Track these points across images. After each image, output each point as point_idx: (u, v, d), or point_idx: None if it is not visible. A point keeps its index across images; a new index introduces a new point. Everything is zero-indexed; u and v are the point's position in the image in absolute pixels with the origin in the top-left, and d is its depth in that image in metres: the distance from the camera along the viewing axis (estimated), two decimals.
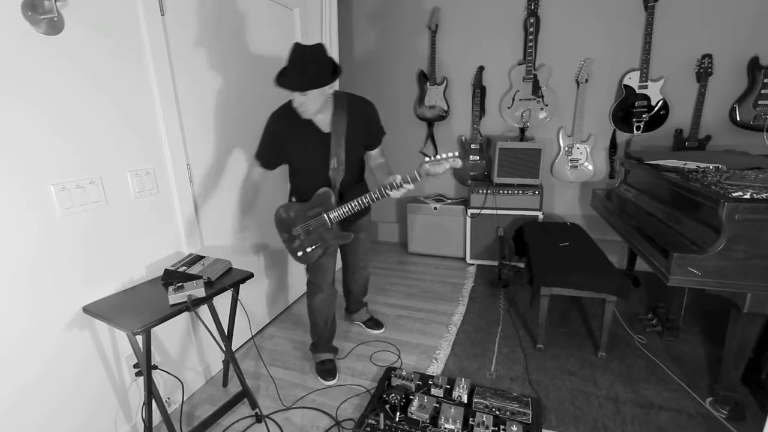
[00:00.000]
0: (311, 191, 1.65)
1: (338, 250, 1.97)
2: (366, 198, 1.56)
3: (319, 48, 1.44)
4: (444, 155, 1.40)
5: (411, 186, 1.50)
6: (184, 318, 1.80)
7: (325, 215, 1.63)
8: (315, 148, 1.61)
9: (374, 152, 1.77)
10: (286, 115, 1.58)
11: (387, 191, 1.51)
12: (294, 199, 1.77)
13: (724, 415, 1.58)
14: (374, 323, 2.32)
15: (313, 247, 1.69)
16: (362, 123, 1.65)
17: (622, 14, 2.74)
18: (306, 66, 1.41)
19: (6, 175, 1.14)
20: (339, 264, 2.09)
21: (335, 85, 1.55)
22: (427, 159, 1.43)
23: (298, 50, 1.42)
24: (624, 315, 2.33)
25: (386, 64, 3.42)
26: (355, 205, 1.58)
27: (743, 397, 1.66)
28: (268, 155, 1.68)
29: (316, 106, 1.50)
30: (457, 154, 1.40)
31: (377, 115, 1.72)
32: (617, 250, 2.97)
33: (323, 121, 1.60)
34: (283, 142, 1.63)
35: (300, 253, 1.71)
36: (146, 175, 1.56)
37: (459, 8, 3.09)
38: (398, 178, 1.49)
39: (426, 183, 3.56)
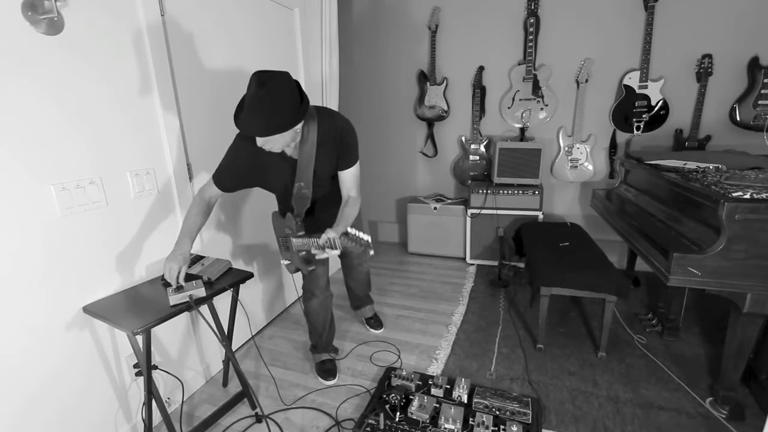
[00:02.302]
0: (285, 210, 1.62)
1: None
2: (312, 241, 1.41)
3: (282, 81, 1.23)
4: (358, 236, 1.28)
5: (325, 255, 1.38)
6: (184, 318, 1.80)
7: (291, 239, 1.56)
8: (278, 173, 1.50)
9: (346, 180, 1.54)
10: (251, 140, 1.35)
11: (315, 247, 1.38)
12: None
13: (724, 415, 1.58)
14: (376, 322, 2.31)
15: (287, 262, 1.68)
16: (332, 145, 1.48)
17: (622, 14, 2.74)
18: (268, 107, 1.20)
19: (6, 175, 1.14)
20: (339, 265, 2.09)
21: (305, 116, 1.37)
22: (346, 231, 1.32)
23: (257, 87, 1.20)
24: (624, 315, 2.33)
25: (386, 64, 3.42)
26: (310, 243, 1.44)
27: (743, 397, 1.66)
28: (224, 175, 1.50)
29: (282, 143, 1.33)
30: (369, 240, 1.28)
31: (351, 136, 1.50)
32: (617, 250, 2.97)
33: (290, 147, 1.45)
34: (245, 167, 1.48)
35: (283, 262, 1.70)
36: (146, 175, 1.56)
37: (459, 8, 3.09)
38: (322, 237, 1.35)
39: (426, 183, 3.57)
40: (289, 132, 1.30)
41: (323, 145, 1.46)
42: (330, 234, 1.34)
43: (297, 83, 1.30)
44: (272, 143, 1.32)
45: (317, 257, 1.43)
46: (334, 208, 1.56)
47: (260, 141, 1.31)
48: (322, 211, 1.66)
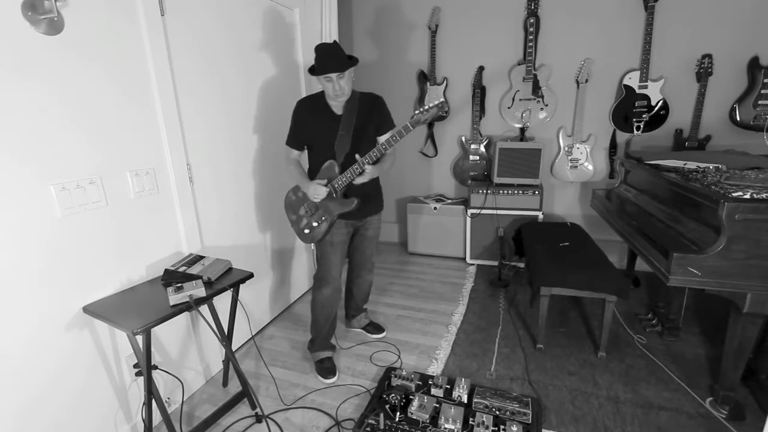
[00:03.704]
0: (321, 167, 1.79)
1: (346, 247, 1.96)
2: (361, 163, 1.67)
3: (338, 44, 1.70)
4: (427, 108, 1.57)
5: (367, 170, 1.67)
6: (184, 318, 1.80)
7: (330, 184, 1.74)
8: (326, 125, 1.78)
9: (380, 139, 1.85)
10: (308, 101, 1.84)
11: (363, 164, 1.66)
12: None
13: (724, 415, 1.58)
14: (374, 327, 2.29)
15: (321, 220, 1.79)
16: (370, 109, 1.81)
17: (622, 14, 2.74)
18: (340, 53, 1.64)
19: (6, 175, 1.14)
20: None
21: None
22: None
23: (328, 45, 1.66)
24: (624, 315, 2.33)
25: (386, 64, 3.42)
26: (355, 169, 1.69)
27: (743, 397, 1.66)
28: (293, 135, 1.85)
29: (349, 87, 1.70)
30: (441, 101, 1.58)
31: (386, 107, 1.88)
32: (617, 250, 2.97)
33: (338, 106, 1.77)
34: (303, 122, 1.82)
35: (307, 231, 1.83)
36: (146, 175, 1.56)
37: (459, 8, 3.09)
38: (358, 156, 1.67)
39: (426, 183, 3.57)
40: (351, 73, 1.70)
41: (363, 108, 1.80)
42: (358, 157, 1.66)
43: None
44: (343, 87, 1.66)
45: (358, 181, 1.71)
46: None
47: (336, 86, 1.65)
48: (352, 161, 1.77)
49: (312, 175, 1.85)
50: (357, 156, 1.66)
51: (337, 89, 1.67)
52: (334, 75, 1.63)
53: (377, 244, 2.09)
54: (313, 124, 1.80)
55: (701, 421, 1.57)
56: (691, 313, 2.30)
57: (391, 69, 3.41)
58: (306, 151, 1.90)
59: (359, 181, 1.71)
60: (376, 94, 1.88)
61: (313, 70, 1.68)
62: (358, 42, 3.46)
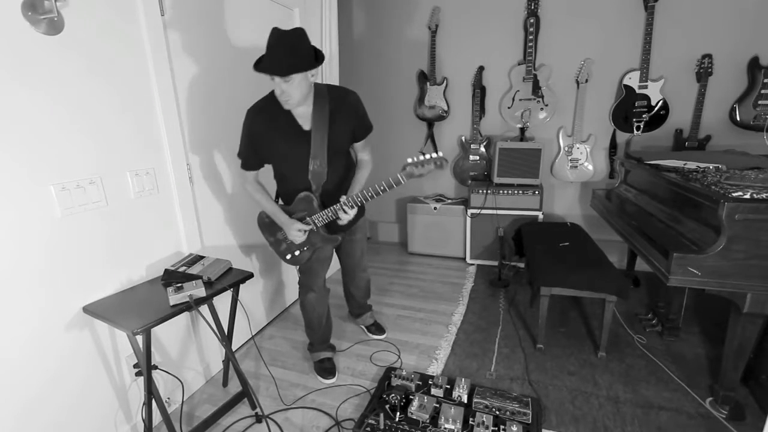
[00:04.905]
0: (294, 194, 1.61)
1: (334, 253, 1.91)
2: (344, 204, 1.51)
3: (300, 32, 1.35)
4: (421, 159, 1.38)
5: (349, 214, 1.52)
6: (184, 318, 1.80)
7: (309, 218, 1.60)
8: (294, 147, 1.52)
9: (358, 145, 1.65)
10: (264, 109, 1.50)
11: (343, 207, 1.50)
12: (280, 202, 1.73)
13: (724, 415, 1.58)
14: (377, 328, 2.28)
15: (302, 249, 1.67)
16: (346, 116, 1.54)
17: (622, 14, 2.74)
18: (287, 50, 1.31)
19: (6, 175, 1.14)
20: (338, 265, 2.09)
21: (317, 76, 1.47)
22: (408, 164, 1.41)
23: (277, 34, 1.31)
24: (624, 315, 2.33)
25: (386, 64, 3.42)
26: (337, 210, 1.54)
27: (743, 397, 1.66)
28: (247, 155, 1.59)
29: (300, 94, 1.39)
30: (438, 155, 1.38)
31: (362, 106, 1.60)
32: (617, 250, 2.97)
33: (304, 115, 1.50)
34: (261, 140, 1.53)
35: (289, 257, 1.70)
36: (146, 175, 1.56)
37: (459, 8, 3.09)
38: (342, 198, 1.50)
39: (425, 184, 3.57)
40: (304, 80, 1.37)
41: (336, 116, 1.51)
42: (342, 198, 1.49)
43: (314, 48, 1.39)
44: (289, 93, 1.37)
45: (341, 221, 1.54)
46: (340, 192, 1.61)
47: (278, 89, 1.37)
48: (333, 191, 1.63)
49: (282, 197, 1.69)
50: (342, 199, 1.49)
51: (280, 94, 1.38)
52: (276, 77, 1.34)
53: (373, 243, 2.06)
54: (276, 142, 1.52)
55: (701, 421, 1.57)
56: (691, 313, 2.30)
57: (391, 69, 3.41)
58: (228, 194, 1.67)
59: (345, 219, 1.55)
60: (347, 90, 1.58)
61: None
62: (358, 42, 3.46)
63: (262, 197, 1.63)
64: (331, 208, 1.54)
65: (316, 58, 1.39)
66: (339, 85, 1.59)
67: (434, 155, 1.36)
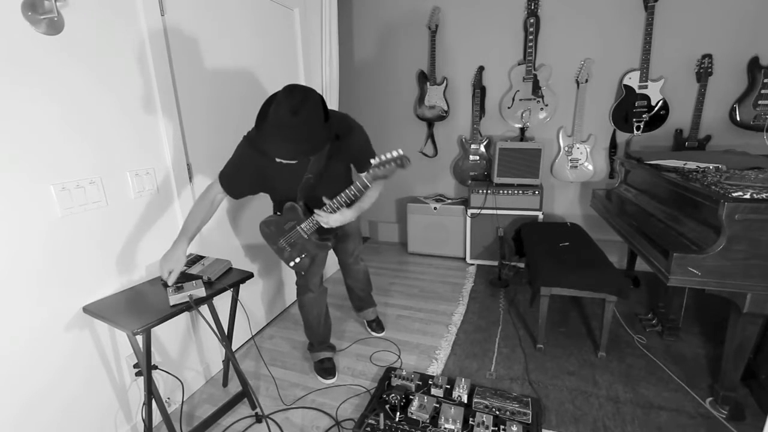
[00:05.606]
0: (282, 205, 1.63)
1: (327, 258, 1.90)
2: (327, 207, 1.51)
3: (313, 107, 1.22)
4: (385, 158, 1.32)
5: (329, 220, 1.51)
6: (184, 318, 1.80)
7: (298, 228, 1.62)
8: (286, 183, 1.53)
9: (364, 176, 1.48)
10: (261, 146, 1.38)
11: (332, 206, 1.50)
12: (278, 213, 1.72)
13: (724, 415, 1.58)
14: (377, 325, 2.29)
15: (301, 257, 1.69)
16: (346, 155, 1.55)
17: (622, 14, 2.74)
18: (300, 136, 1.22)
19: (6, 175, 1.14)
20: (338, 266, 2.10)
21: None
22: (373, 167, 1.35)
23: (290, 115, 1.18)
24: (624, 315, 2.33)
25: (386, 64, 3.42)
26: (319, 216, 1.53)
27: (743, 397, 1.66)
28: (230, 180, 1.52)
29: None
30: (399, 153, 1.31)
31: (364, 141, 1.57)
32: (617, 250, 2.97)
33: None
34: (252, 173, 1.50)
35: (292, 264, 1.71)
36: (146, 175, 1.56)
37: (459, 8, 3.09)
38: (327, 201, 1.50)
39: (426, 183, 3.57)
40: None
41: (336, 156, 1.52)
42: (327, 200, 1.48)
43: (322, 101, 1.28)
44: (291, 163, 1.36)
45: (331, 225, 1.53)
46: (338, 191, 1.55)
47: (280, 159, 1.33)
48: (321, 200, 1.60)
49: (275, 208, 1.73)
50: (325, 200, 1.47)
51: (280, 159, 1.33)
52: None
53: (373, 243, 2.05)
54: (268, 180, 1.53)
55: (701, 421, 1.57)
56: (691, 313, 2.30)
57: (391, 69, 3.41)
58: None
59: (333, 223, 1.52)
60: (350, 126, 1.52)
61: (259, 126, 1.27)
62: (358, 42, 3.46)
63: (192, 213, 1.51)
64: (314, 217, 1.55)
65: (326, 121, 1.28)
66: (342, 117, 1.51)
67: (395, 154, 1.30)
